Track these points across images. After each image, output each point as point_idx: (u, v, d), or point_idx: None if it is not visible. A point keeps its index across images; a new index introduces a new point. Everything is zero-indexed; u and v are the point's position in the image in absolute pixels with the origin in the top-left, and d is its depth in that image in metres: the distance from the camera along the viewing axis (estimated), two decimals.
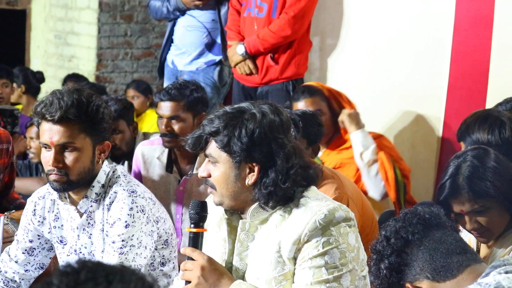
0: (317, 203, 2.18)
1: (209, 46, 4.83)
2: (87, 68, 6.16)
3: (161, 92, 3.60)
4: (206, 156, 2.23)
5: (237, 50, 4.56)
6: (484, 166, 2.53)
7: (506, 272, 1.74)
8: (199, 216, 2.23)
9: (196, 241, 2.22)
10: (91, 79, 6.02)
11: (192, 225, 2.23)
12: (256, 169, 2.18)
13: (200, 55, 4.83)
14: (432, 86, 4.40)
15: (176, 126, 3.50)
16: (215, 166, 2.21)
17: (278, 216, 2.20)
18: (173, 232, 2.84)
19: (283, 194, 2.18)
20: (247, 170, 2.19)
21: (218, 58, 4.84)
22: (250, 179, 2.19)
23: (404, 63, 4.52)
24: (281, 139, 2.19)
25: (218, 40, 4.83)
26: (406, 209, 1.93)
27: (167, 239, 2.79)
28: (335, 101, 4.00)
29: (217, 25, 4.81)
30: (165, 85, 5.04)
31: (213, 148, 2.20)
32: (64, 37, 6.39)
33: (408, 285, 1.80)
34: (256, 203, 2.20)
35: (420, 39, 4.45)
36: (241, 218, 2.27)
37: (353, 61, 4.76)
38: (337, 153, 4.00)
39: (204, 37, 4.82)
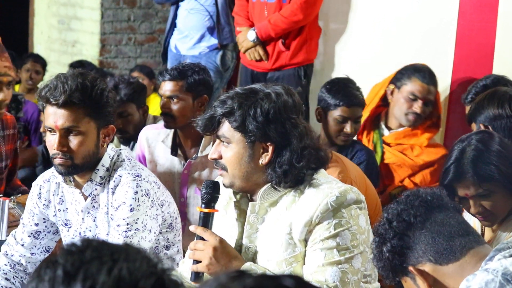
0: (328, 185, 2.19)
1: (211, 30, 4.81)
2: (91, 54, 6.15)
3: (163, 72, 3.59)
4: (218, 137, 2.23)
5: (247, 36, 4.54)
6: (488, 150, 2.53)
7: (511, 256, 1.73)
8: (211, 197, 2.23)
9: (206, 221, 2.22)
10: (95, 64, 6.02)
11: (203, 205, 2.23)
12: (270, 148, 2.19)
13: (202, 38, 4.82)
14: (437, 69, 4.38)
15: (174, 107, 3.49)
16: (228, 147, 2.21)
17: (289, 198, 2.21)
18: (178, 216, 2.85)
19: (297, 174, 2.19)
20: (261, 150, 2.20)
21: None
22: (264, 158, 2.20)
23: (409, 47, 4.50)
24: (294, 119, 2.21)
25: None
26: (408, 191, 1.90)
27: (171, 223, 2.80)
28: None
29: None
30: None
31: (226, 128, 2.20)
32: (67, 23, 6.38)
33: (410, 268, 1.77)
34: (267, 185, 2.21)
35: (425, 22, 4.44)
36: (250, 201, 2.28)
37: (358, 45, 4.74)
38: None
39: (206, 20, 4.80)
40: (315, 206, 2.16)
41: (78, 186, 2.68)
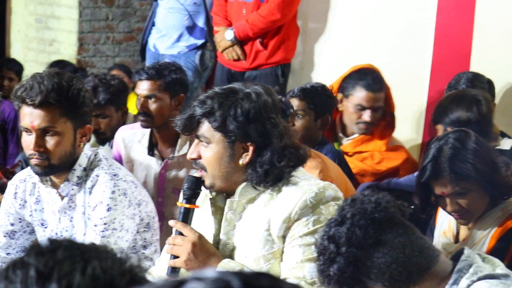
0: (307, 182, 2.20)
1: (190, 29, 4.80)
2: (68, 52, 6.11)
3: (139, 71, 3.57)
4: (197, 137, 2.22)
5: (225, 36, 4.54)
6: (465, 148, 2.55)
7: (479, 279, 1.67)
8: (193, 192, 2.22)
9: (186, 216, 2.21)
10: (72, 63, 5.98)
11: (184, 200, 2.22)
12: (251, 148, 2.19)
13: (180, 38, 4.81)
14: (416, 68, 4.41)
15: (152, 106, 3.47)
16: (207, 147, 2.20)
17: (267, 195, 2.21)
18: (155, 215, 2.84)
19: (278, 173, 2.19)
20: (241, 150, 2.20)
21: (199, 42, 4.82)
22: (245, 158, 2.19)
23: (387, 47, 4.52)
24: (274, 118, 2.21)
25: (200, 24, 4.80)
26: (349, 204, 1.79)
27: (149, 222, 2.79)
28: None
29: (199, 8, 4.78)
30: None
31: (206, 128, 2.19)
32: (45, 21, 6.33)
33: None
34: (245, 182, 2.21)
35: (403, 22, 4.45)
36: (225, 198, 2.27)
37: (336, 44, 4.75)
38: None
39: (185, 19, 4.79)
40: (293, 202, 2.16)
41: (55, 186, 2.66)
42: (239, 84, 2.25)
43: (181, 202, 2.24)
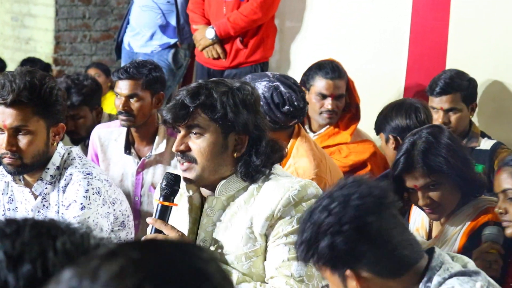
0: (288, 180, 2.20)
1: (163, 28, 4.79)
2: (45, 51, 6.07)
3: (119, 70, 3.55)
4: (189, 127, 2.17)
5: (206, 34, 4.53)
6: (438, 142, 2.59)
7: (451, 276, 1.67)
8: (171, 189, 2.18)
9: (164, 214, 2.17)
10: (49, 61, 5.94)
11: (162, 198, 2.18)
12: (245, 140, 2.18)
13: (153, 36, 4.80)
14: (392, 67, 4.43)
15: (134, 105, 3.46)
16: (200, 138, 2.16)
17: (247, 192, 2.20)
18: (130, 214, 2.83)
19: (269, 165, 2.20)
20: (234, 142, 2.18)
21: (172, 41, 4.81)
22: (239, 150, 2.18)
23: (363, 45, 4.54)
24: (260, 112, 2.23)
25: (173, 22, 4.79)
26: (354, 184, 1.73)
27: (123, 221, 2.78)
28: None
29: (172, 7, 4.77)
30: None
31: (200, 119, 2.15)
32: (21, 19, 6.28)
33: (348, 271, 1.68)
34: (227, 179, 2.19)
35: (379, 21, 4.48)
36: (201, 196, 2.26)
37: (313, 43, 4.77)
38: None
39: (158, 18, 4.78)
40: (276, 200, 2.16)
41: (28, 185, 2.64)
42: (223, 79, 2.25)
43: (158, 199, 2.20)
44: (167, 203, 2.18)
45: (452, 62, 4.17)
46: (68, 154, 2.65)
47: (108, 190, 2.65)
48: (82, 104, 3.87)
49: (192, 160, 2.17)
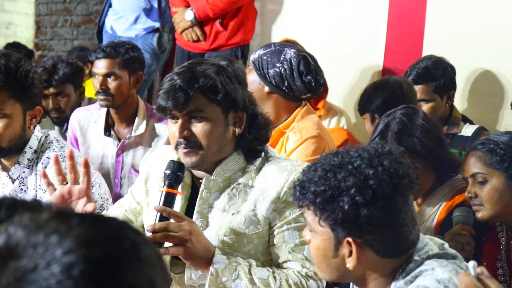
0: (289, 162, 2.20)
1: (147, 12, 4.77)
2: (25, 35, 6.04)
3: (96, 50, 3.55)
4: (190, 113, 2.12)
5: (185, 16, 4.51)
6: (412, 123, 2.60)
7: (428, 258, 1.67)
8: (175, 177, 2.14)
9: (170, 202, 2.12)
10: (30, 46, 5.91)
11: (167, 185, 2.13)
12: (243, 116, 2.18)
13: (137, 20, 4.78)
14: (370, 50, 4.45)
15: (112, 84, 3.46)
16: (203, 121, 2.13)
17: (246, 175, 2.20)
18: (109, 197, 2.84)
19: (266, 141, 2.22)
20: (233, 120, 2.17)
21: (157, 24, 4.79)
22: (239, 127, 2.18)
23: (342, 28, 4.55)
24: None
25: (157, 6, 4.77)
26: (387, 152, 1.66)
27: (102, 204, 2.78)
28: None
29: None
30: None
31: (201, 102, 2.12)
32: (1, 3, 6.24)
33: (349, 239, 1.64)
34: (223, 162, 2.18)
35: (358, 4, 4.49)
36: (192, 173, 2.24)
37: (293, 26, 4.77)
38: None
39: (142, 1, 4.75)
40: (281, 182, 2.15)
41: (5, 169, 2.64)
42: (205, 59, 2.22)
43: (163, 187, 2.14)
44: (173, 191, 2.13)
45: (429, 44, 4.19)
46: (46, 137, 2.65)
47: None
48: (67, 81, 3.88)
49: (197, 145, 2.14)
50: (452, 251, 1.74)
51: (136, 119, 3.48)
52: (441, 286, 1.61)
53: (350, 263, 1.65)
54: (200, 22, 4.52)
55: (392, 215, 1.62)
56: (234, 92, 2.14)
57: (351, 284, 1.87)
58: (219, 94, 2.12)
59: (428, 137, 2.58)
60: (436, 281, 1.61)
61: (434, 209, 2.65)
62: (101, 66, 3.48)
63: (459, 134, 3.67)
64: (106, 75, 3.46)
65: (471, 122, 3.76)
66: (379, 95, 3.38)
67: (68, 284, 0.83)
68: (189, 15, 4.50)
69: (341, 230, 1.63)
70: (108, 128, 3.53)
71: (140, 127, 3.48)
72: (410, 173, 1.65)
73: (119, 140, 3.53)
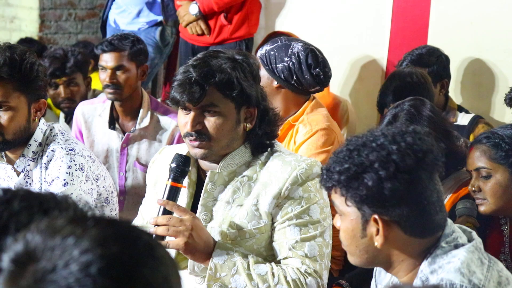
0: (294, 158, 2.19)
1: (150, 5, 4.77)
2: (30, 29, 6.04)
3: (103, 43, 3.55)
4: (204, 106, 2.12)
5: (190, 10, 4.51)
6: (420, 114, 2.60)
7: (456, 246, 1.65)
8: (181, 171, 2.14)
9: (174, 195, 2.12)
10: (39, 41, 5.90)
11: (172, 179, 2.13)
12: (254, 112, 2.18)
13: (140, 13, 4.78)
14: (374, 42, 4.44)
15: (121, 77, 3.47)
16: (216, 115, 2.13)
17: (250, 169, 2.19)
18: (114, 190, 2.84)
19: (276, 133, 2.22)
20: (244, 115, 2.17)
21: (159, 18, 4.79)
22: (250, 122, 2.18)
23: (346, 21, 4.54)
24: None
25: None
26: (425, 135, 1.65)
27: (107, 197, 2.79)
28: None
29: None
30: None
31: (215, 97, 2.11)
32: None
33: (376, 216, 1.62)
34: (229, 155, 2.18)
35: None
36: (198, 170, 2.24)
37: (297, 19, 4.77)
38: None
39: None
40: (284, 178, 2.14)
41: (10, 162, 2.65)
42: (222, 51, 2.19)
43: (167, 180, 2.14)
44: (178, 185, 2.13)
45: (434, 37, 4.18)
46: (50, 130, 2.65)
47: (91, 166, 2.65)
48: (78, 70, 3.90)
49: (208, 138, 2.14)
50: (479, 239, 1.71)
51: (141, 112, 3.49)
52: (465, 280, 1.59)
53: (378, 241, 1.64)
54: (205, 15, 4.53)
55: (417, 191, 1.61)
56: (248, 89, 2.14)
57: (375, 274, 1.87)
58: (234, 91, 2.11)
59: (435, 128, 2.57)
60: (461, 274, 1.60)
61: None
62: (109, 59, 3.50)
63: (456, 123, 3.68)
64: (115, 68, 3.47)
65: (467, 111, 3.76)
66: (393, 85, 3.34)
67: (87, 282, 0.84)
68: (193, 8, 4.50)
69: (367, 208, 1.63)
70: (113, 121, 3.54)
71: (144, 120, 3.49)
72: (435, 150, 1.64)
73: (124, 133, 3.53)
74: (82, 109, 3.62)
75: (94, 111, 3.59)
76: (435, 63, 3.69)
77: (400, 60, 3.81)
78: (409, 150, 1.61)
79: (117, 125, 3.55)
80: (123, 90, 3.47)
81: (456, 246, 1.65)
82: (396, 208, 1.60)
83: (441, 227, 1.66)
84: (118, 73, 3.47)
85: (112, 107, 3.55)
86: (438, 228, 1.65)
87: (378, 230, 1.63)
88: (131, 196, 3.52)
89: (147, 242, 0.91)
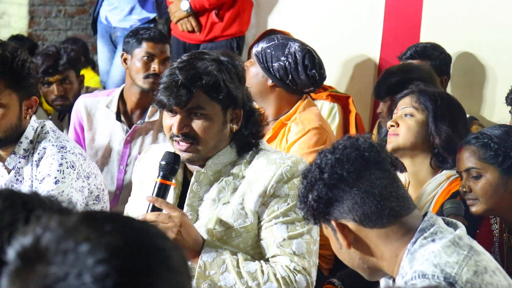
0: (279, 155, 2.19)
1: (142, 2, 4.76)
2: (19, 26, 6.01)
3: (150, 33, 3.58)
4: (190, 109, 2.12)
5: (181, 6, 4.50)
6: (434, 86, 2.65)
7: (434, 240, 1.67)
8: (171, 168, 2.14)
9: (163, 193, 2.12)
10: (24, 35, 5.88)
11: (161, 176, 2.13)
12: (240, 113, 2.18)
13: (132, 11, 4.76)
14: (367, 41, 4.44)
15: (162, 69, 3.47)
16: (202, 118, 2.13)
17: (236, 168, 2.19)
18: (105, 188, 2.83)
19: (261, 134, 2.22)
20: (230, 117, 2.17)
21: (152, 15, 4.78)
22: (236, 123, 2.18)
23: (339, 19, 4.54)
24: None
25: None
26: (345, 139, 1.75)
27: (98, 195, 2.78)
28: None
29: None
30: (98, 42, 4.97)
31: (202, 99, 2.11)
32: None
33: (333, 221, 1.69)
34: (215, 155, 2.18)
35: None
36: (184, 171, 2.24)
37: (289, 17, 4.76)
38: None
39: None
40: (269, 176, 2.15)
41: (1, 159, 2.63)
42: (207, 53, 2.20)
43: (157, 178, 2.14)
44: (168, 182, 2.13)
45: (426, 35, 4.19)
46: (42, 127, 2.64)
47: (82, 164, 2.64)
48: (70, 68, 3.89)
49: (195, 141, 2.14)
50: (460, 233, 1.72)
51: (151, 106, 3.48)
52: (437, 270, 1.60)
53: (342, 243, 1.70)
54: (196, 12, 4.51)
55: (357, 185, 1.69)
56: (235, 90, 2.14)
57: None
58: (221, 93, 2.11)
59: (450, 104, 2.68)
60: (433, 265, 1.62)
61: (430, 197, 2.67)
62: (161, 49, 3.56)
63: None
64: (166, 59, 3.56)
65: None
66: (394, 76, 3.36)
67: None
68: (184, 5, 4.49)
69: (324, 219, 1.71)
70: (119, 114, 3.54)
71: (155, 114, 3.49)
72: (370, 147, 1.72)
73: (129, 126, 3.53)
74: (85, 101, 3.59)
75: (97, 103, 3.57)
76: (437, 57, 3.75)
77: (402, 53, 3.83)
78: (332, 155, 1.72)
79: (123, 118, 3.55)
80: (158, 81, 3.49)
81: (434, 241, 1.66)
82: (343, 207, 1.69)
83: (400, 213, 1.69)
84: (168, 63, 3.52)
85: (119, 99, 3.55)
86: (397, 214, 1.69)
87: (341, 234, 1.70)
88: (128, 190, 3.50)
89: (163, 251, 0.90)
